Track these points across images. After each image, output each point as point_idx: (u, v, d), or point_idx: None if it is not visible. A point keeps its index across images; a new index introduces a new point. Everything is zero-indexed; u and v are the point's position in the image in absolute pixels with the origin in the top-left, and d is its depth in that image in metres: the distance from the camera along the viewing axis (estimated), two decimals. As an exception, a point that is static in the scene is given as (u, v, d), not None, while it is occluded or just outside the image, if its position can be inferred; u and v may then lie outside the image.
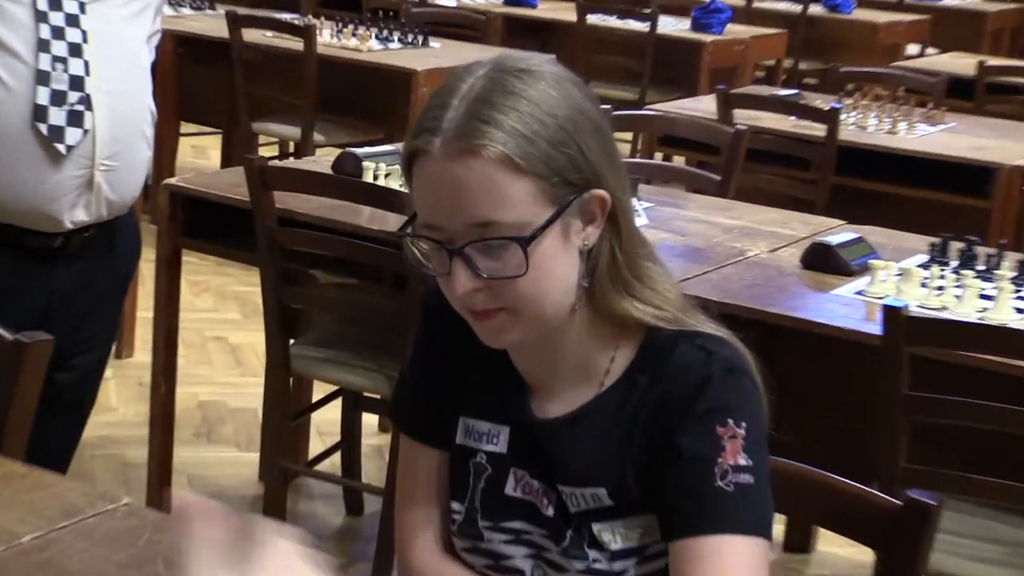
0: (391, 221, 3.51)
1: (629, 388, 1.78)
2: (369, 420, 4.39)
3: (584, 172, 1.68)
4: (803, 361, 3.25)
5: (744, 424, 1.68)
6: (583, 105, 1.71)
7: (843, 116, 5.26)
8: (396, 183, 3.81)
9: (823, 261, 3.47)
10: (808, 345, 3.19)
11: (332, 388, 4.14)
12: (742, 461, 1.67)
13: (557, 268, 1.71)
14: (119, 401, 4.90)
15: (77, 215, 2.90)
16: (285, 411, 3.95)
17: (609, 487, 1.75)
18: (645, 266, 1.77)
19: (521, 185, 1.64)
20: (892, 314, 2.81)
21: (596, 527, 1.77)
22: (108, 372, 5.05)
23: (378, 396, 4.00)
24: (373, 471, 4.39)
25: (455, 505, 1.88)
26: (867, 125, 5.40)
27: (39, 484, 2.08)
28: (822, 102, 5.56)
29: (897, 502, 1.87)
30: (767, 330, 3.06)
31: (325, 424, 4.49)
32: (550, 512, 1.81)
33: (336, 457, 4.26)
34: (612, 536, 1.76)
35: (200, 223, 3.99)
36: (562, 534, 1.79)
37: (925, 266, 3.44)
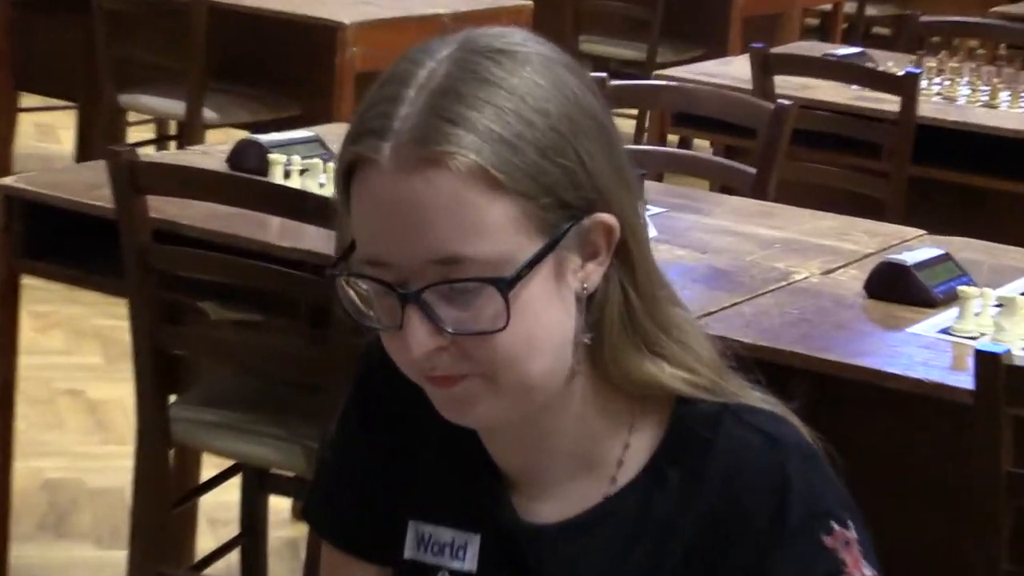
0: (308, 236, 3.56)
1: (654, 486, 1.76)
2: (278, 505, 4.43)
3: (584, 189, 1.65)
4: (868, 425, 3.29)
5: (850, 522, 1.69)
6: (582, 98, 1.69)
7: (924, 84, 5.29)
8: (315, 183, 3.84)
9: (896, 287, 3.49)
10: (875, 403, 3.23)
11: (228, 463, 4.17)
12: (868, 572, 1.69)
13: (548, 320, 1.67)
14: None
15: None
16: (163, 494, 3.96)
17: None
18: (671, 313, 1.76)
19: (500, 207, 1.60)
20: (989, 362, 2.82)
21: None
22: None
23: (291, 473, 4.03)
24: (284, 574, 4.47)
25: None
26: (956, 95, 5.44)
27: None
28: (895, 64, 5.58)
29: None
30: (819, 383, 3.10)
31: (219, 511, 4.57)
32: None
33: (234, 556, 4.29)
34: None
35: (47, 238, 4.03)
36: None
37: None
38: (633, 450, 1.77)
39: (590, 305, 1.71)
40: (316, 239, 3.54)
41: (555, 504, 1.80)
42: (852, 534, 1.68)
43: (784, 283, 3.57)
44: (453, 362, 1.66)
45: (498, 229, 1.61)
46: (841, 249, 3.86)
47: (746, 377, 1.79)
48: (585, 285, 1.69)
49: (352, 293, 1.71)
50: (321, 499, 1.99)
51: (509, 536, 1.81)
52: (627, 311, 1.72)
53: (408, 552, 1.86)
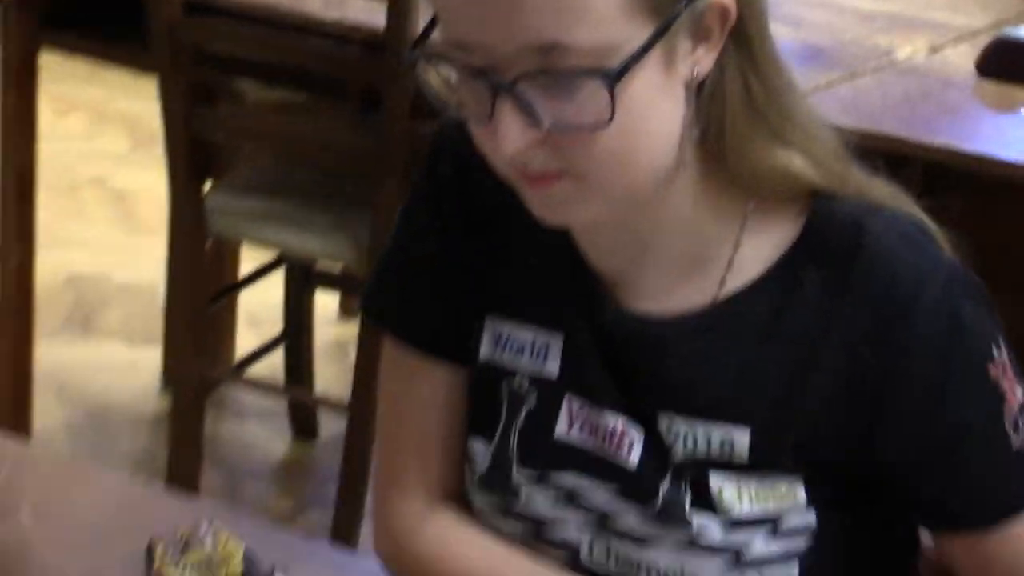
0: (357, 7, 3.55)
1: (786, 291, 1.76)
2: (324, 302, 4.50)
3: None
4: (981, 215, 3.24)
5: (1002, 343, 1.72)
6: None
7: None
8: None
9: (1011, 65, 3.47)
10: (988, 192, 3.24)
11: (270, 256, 4.24)
12: (1018, 394, 1.72)
13: (656, 114, 1.66)
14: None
15: None
16: (199, 289, 4.00)
17: (756, 429, 1.77)
18: (796, 101, 1.74)
19: None
20: None
21: (716, 481, 1.77)
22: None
23: (338, 267, 4.13)
24: (331, 377, 4.51)
25: (477, 446, 1.89)
26: None
27: None
28: None
29: None
30: (926, 170, 3.07)
31: (260, 309, 4.63)
32: (633, 459, 1.80)
33: (277, 356, 4.36)
34: (737, 496, 1.78)
35: (67, 8, 4.04)
36: (650, 491, 1.80)
37: None
38: (747, 250, 1.77)
39: (700, 94, 1.68)
40: (366, 10, 3.53)
41: (658, 304, 1.80)
42: (1005, 357, 1.71)
43: (887, 61, 3.55)
44: (548, 159, 1.64)
45: (605, 13, 1.56)
46: (951, 23, 3.84)
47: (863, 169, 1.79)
48: (696, 71, 1.66)
49: (433, 77, 1.68)
50: (385, 292, 1.99)
51: (602, 336, 1.81)
52: (749, 99, 1.69)
53: (484, 352, 1.88)
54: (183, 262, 3.97)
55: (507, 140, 1.60)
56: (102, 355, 4.70)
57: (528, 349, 1.87)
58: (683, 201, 1.75)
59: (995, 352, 1.71)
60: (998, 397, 1.71)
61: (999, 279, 2.15)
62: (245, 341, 4.50)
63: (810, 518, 1.77)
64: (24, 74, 4.11)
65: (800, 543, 1.77)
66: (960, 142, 3.16)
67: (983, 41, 3.57)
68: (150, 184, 5.32)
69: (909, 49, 3.62)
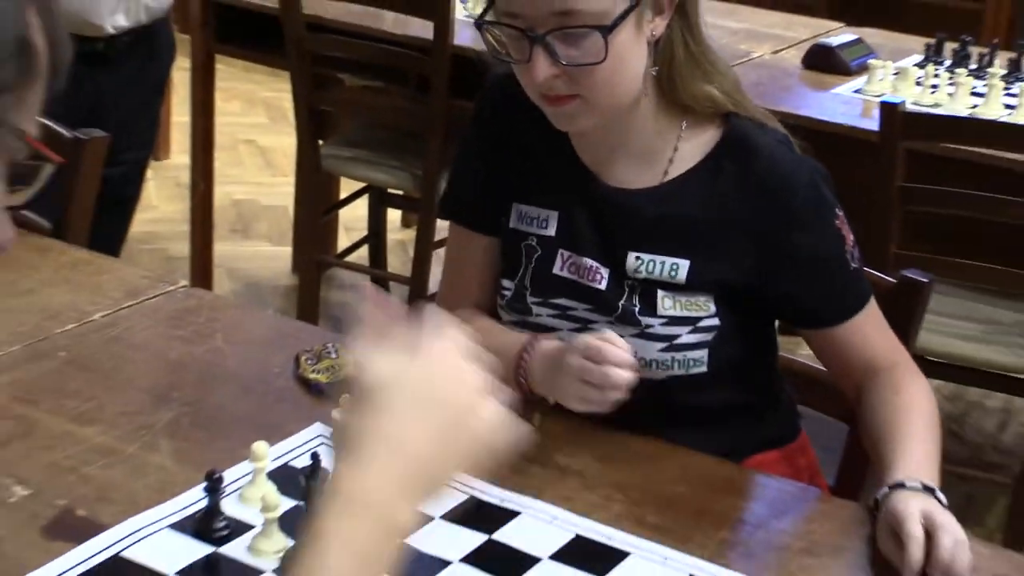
0: (414, 26, 3.61)
1: (711, 176, 1.80)
2: (393, 216, 4.48)
3: None
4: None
5: (840, 211, 1.81)
6: None
7: None
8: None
9: (824, 61, 3.55)
10: (809, 142, 3.21)
11: (359, 185, 4.23)
12: (851, 237, 1.79)
13: (631, 57, 1.71)
14: (159, 200, 5.08)
15: (118, 20, 3.12)
16: (315, 207, 4.05)
17: (693, 262, 1.81)
18: (716, 56, 1.79)
19: None
20: (889, 110, 2.90)
21: (661, 294, 1.81)
22: (148, 173, 5.22)
23: (402, 192, 4.10)
24: (397, 264, 4.48)
25: (506, 283, 1.90)
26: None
27: (103, 269, 2.27)
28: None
29: (892, 279, 2.01)
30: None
31: (352, 220, 4.58)
32: (601, 286, 1.84)
33: (363, 250, 4.37)
34: (673, 304, 1.82)
35: (232, 30, 4.09)
36: (613, 306, 1.82)
37: (920, 65, 3.53)
38: (683, 150, 1.82)
39: (656, 48, 1.74)
40: (421, 27, 3.57)
41: (627, 180, 1.86)
42: (841, 215, 1.82)
43: (746, 60, 3.61)
44: (564, 86, 1.71)
45: None
46: (785, 36, 3.89)
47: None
48: (653, 33, 1.73)
49: (492, 38, 1.74)
50: (451, 196, 2.02)
51: (591, 204, 1.86)
52: (686, 52, 1.76)
53: (512, 223, 1.91)
54: (305, 191, 4.10)
55: (539, 73, 1.68)
56: (255, 250, 4.74)
57: (536, 221, 1.89)
58: (644, 116, 1.80)
59: (837, 211, 1.80)
60: (841, 238, 1.80)
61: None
62: (343, 240, 4.52)
63: (715, 321, 1.82)
64: (205, 73, 4.15)
65: (708, 336, 1.81)
66: (793, 109, 3.19)
67: (806, 46, 3.64)
68: (282, 144, 5.39)
69: (760, 52, 3.67)
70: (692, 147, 1.81)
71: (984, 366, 3.04)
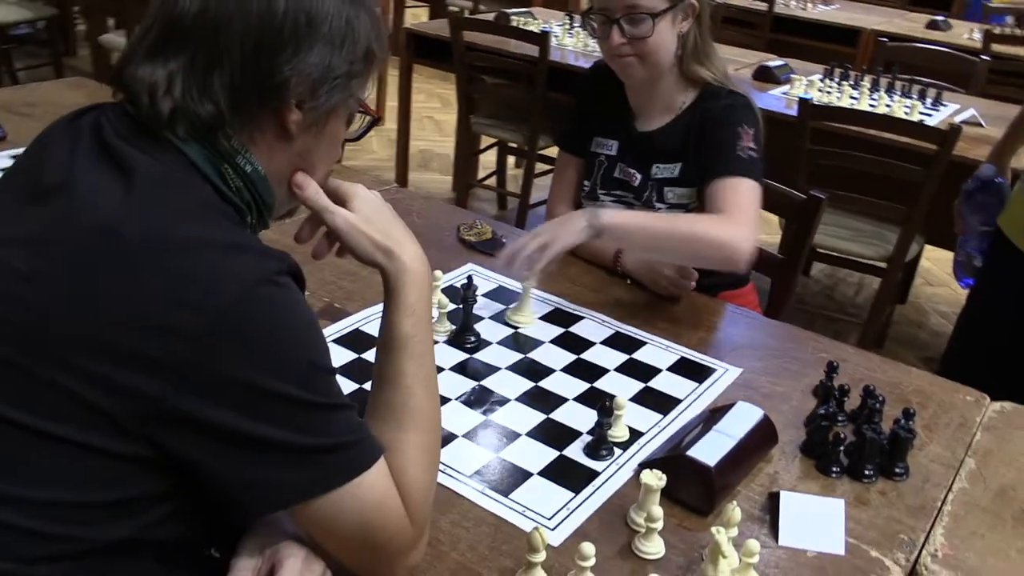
0: (527, 48, 3.52)
1: (692, 115, 1.74)
2: (509, 160, 4.42)
3: None
4: None
5: (752, 130, 1.67)
6: None
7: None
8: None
9: (764, 75, 3.46)
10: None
11: (492, 141, 4.18)
12: (751, 144, 1.65)
13: (666, 38, 1.67)
14: (378, 148, 5.04)
15: None
16: (467, 153, 4.02)
17: (683, 164, 1.74)
18: (713, 48, 1.73)
19: None
20: (803, 104, 2.86)
21: (667, 188, 1.76)
22: (371, 133, 5.21)
23: (516, 145, 4.00)
24: (512, 187, 4.41)
25: (586, 182, 1.85)
26: (790, 4, 5.27)
27: (346, 176, 2.23)
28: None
29: (802, 195, 1.96)
30: None
31: (487, 162, 4.52)
32: (636, 182, 1.79)
33: (492, 179, 4.34)
34: (674, 194, 1.76)
35: (422, 49, 4.02)
36: (642, 195, 1.78)
37: (821, 79, 3.45)
38: (685, 102, 1.76)
39: (680, 40, 1.69)
40: (531, 49, 3.49)
41: (652, 123, 1.80)
42: (751, 132, 1.66)
43: None
44: (627, 49, 1.67)
45: None
46: (743, 61, 3.71)
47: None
48: (681, 30, 1.68)
49: (591, 27, 1.69)
50: (563, 134, 1.93)
51: (634, 136, 1.80)
52: (695, 45, 1.71)
53: (592, 148, 1.86)
54: (461, 143, 4.00)
55: (613, 41, 1.66)
56: (431, 178, 4.65)
57: (604, 146, 1.84)
58: (668, 81, 1.74)
59: (745, 126, 1.66)
60: (737, 135, 1.64)
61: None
62: (481, 173, 4.41)
63: (694, 196, 1.75)
64: (407, 78, 4.09)
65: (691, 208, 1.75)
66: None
67: (755, 67, 3.52)
68: (448, 118, 5.32)
69: (728, 69, 3.57)
70: (687, 103, 1.76)
71: (849, 255, 3.01)
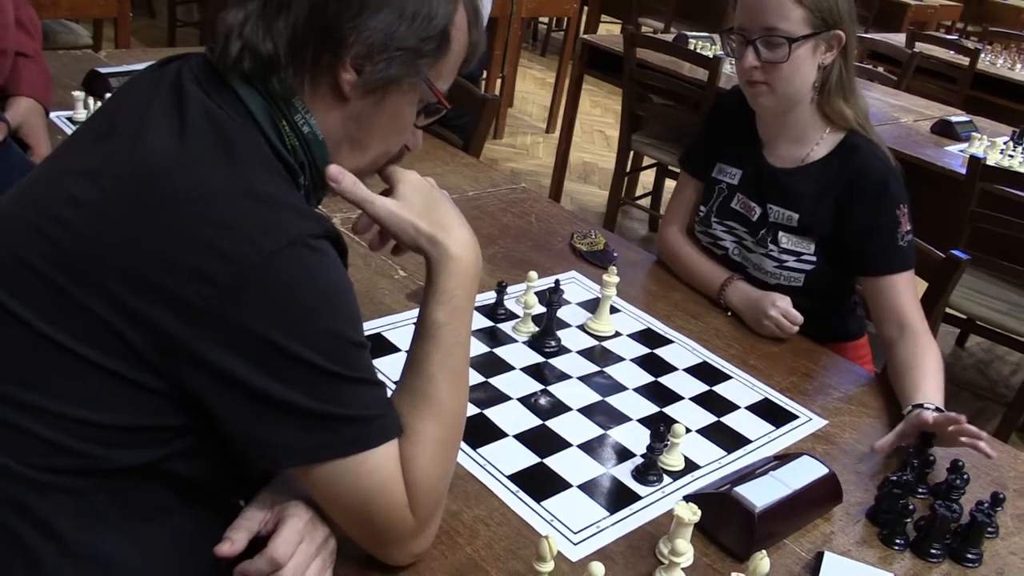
0: (698, 72, 3.48)
1: (826, 167, 1.66)
2: (669, 184, 4.34)
3: (835, 18, 1.56)
4: (921, 184, 3.10)
5: (906, 207, 1.61)
6: None
7: (983, 55, 4.84)
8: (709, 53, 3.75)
9: (944, 130, 3.28)
10: (923, 175, 2.91)
11: (652, 161, 4.16)
12: (907, 227, 1.61)
13: (803, 67, 1.58)
14: (543, 155, 5.08)
15: None
16: (623, 170, 3.98)
17: (802, 215, 1.69)
18: (856, 85, 1.65)
19: (798, 12, 1.54)
20: (974, 161, 2.70)
21: (780, 233, 1.70)
22: (540, 139, 5.21)
23: (676, 169, 3.92)
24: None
25: (702, 208, 1.82)
26: (997, 63, 4.97)
27: (485, 170, 2.28)
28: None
29: (942, 254, 1.84)
30: (907, 167, 2.91)
31: (646, 182, 4.49)
32: (755, 218, 1.74)
33: (648, 200, 4.29)
34: (788, 240, 1.70)
35: (594, 61, 4.02)
36: (757, 232, 1.73)
37: (1006, 141, 3.25)
38: (819, 147, 1.68)
39: (821, 72, 1.61)
40: (702, 73, 3.44)
41: (778, 160, 1.72)
42: (906, 211, 1.61)
43: (894, 122, 3.27)
44: (759, 74, 1.60)
45: (794, 21, 1.55)
46: (924, 112, 3.52)
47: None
48: (823, 62, 1.60)
49: (729, 46, 1.63)
50: (687, 154, 1.89)
51: (761, 168, 1.73)
52: (840, 80, 1.62)
53: (713, 174, 1.81)
54: (619, 159, 3.93)
55: (747, 63, 1.58)
56: (588, 190, 4.65)
57: (727, 173, 1.78)
58: (803, 114, 1.65)
59: (901, 205, 1.60)
60: (896, 220, 1.60)
61: (924, 214, 1.98)
62: (639, 190, 4.43)
63: (813, 258, 1.69)
64: (577, 87, 4.07)
65: (807, 267, 1.69)
66: (920, 156, 2.90)
67: (935, 120, 3.31)
68: (613, 132, 5.33)
69: (905, 119, 3.33)
70: (825, 146, 1.67)
71: (1006, 331, 2.80)
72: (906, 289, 1.60)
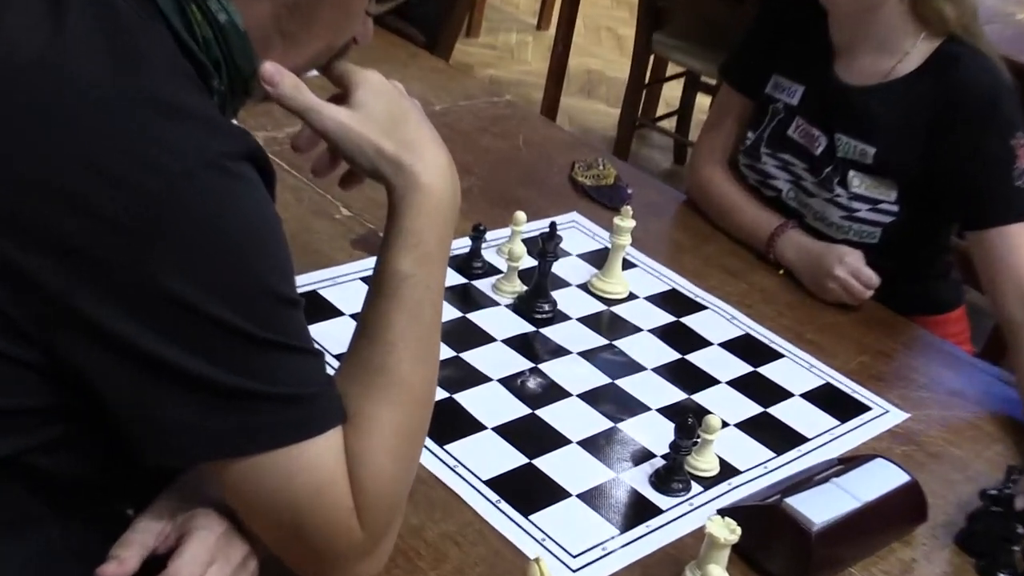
0: None
1: (916, 84, 1.68)
2: (702, 101, 4.35)
3: None
4: None
5: (1022, 134, 1.61)
6: None
7: None
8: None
9: None
10: None
11: (680, 69, 4.15)
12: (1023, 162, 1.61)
13: None
14: (533, 59, 5.12)
15: None
16: (641, 78, 3.98)
17: (880, 149, 1.71)
18: None
19: None
20: None
21: (851, 172, 1.73)
22: (529, 38, 5.20)
23: (712, 81, 3.95)
24: (697, 135, 4.37)
25: (750, 133, 1.86)
26: None
27: (453, 78, 2.30)
28: None
29: None
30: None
31: (670, 98, 4.51)
32: (819, 151, 1.76)
33: (673, 121, 4.32)
34: (860, 183, 1.73)
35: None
36: (821, 170, 1.76)
37: None
38: (909, 58, 1.69)
39: None
40: None
41: (857, 75, 1.75)
42: (1023, 141, 1.61)
43: (1009, 20, 3.29)
44: None
45: None
46: None
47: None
48: None
49: None
50: (733, 62, 1.93)
51: (829, 85, 1.77)
52: None
53: (767, 90, 1.85)
54: (638, 66, 3.92)
55: None
56: (593, 107, 4.70)
57: (787, 91, 1.81)
58: (890, 15, 1.67)
59: (1017, 133, 1.61)
60: (1011, 153, 1.60)
61: None
62: (662, 109, 4.42)
63: (895, 207, 1.71)
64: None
65: (886, 219, 1.72)
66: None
67: None
68: (628, 30, 5.12)
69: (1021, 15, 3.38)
70: (916, 56, 1.69)
71: None
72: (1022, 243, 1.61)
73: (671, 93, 4.46)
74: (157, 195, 0.81)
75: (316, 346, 0.92)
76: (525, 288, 1.58)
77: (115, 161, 0.81)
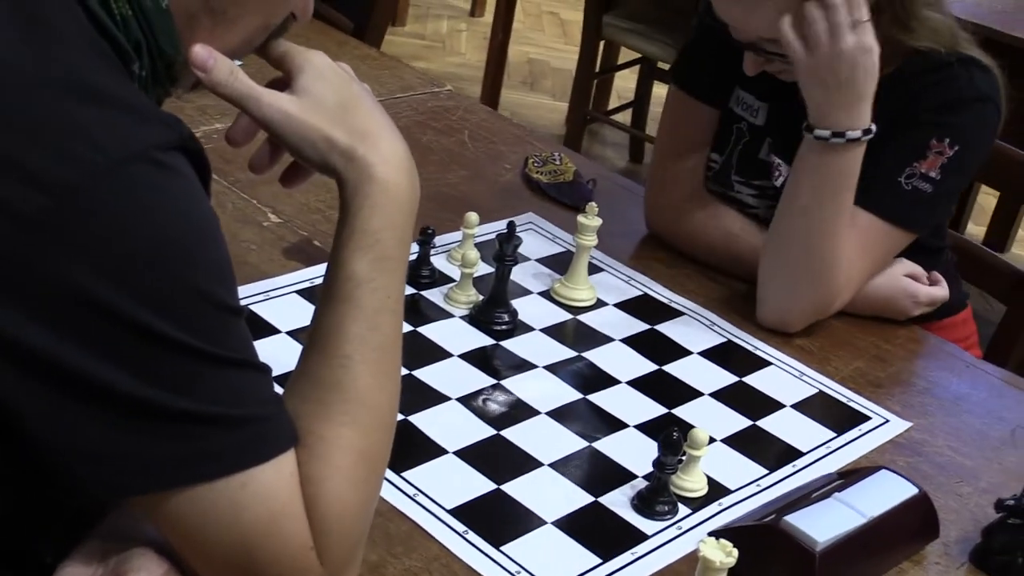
0: None
1: (893, 86, 1.64)
2: (659, 92, 4.35)
3: None
4: None
5: (957, 148, 1.60)
6: None
7: None
8: None
9: None
10: None
11: (634, 55, 4.19)
12: (932, 174, 1.61)
13: None
14: (467, 49, 5.19)
15: None
16: (591, 69, 4.05)
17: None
18: (923, 15, 1.62)
19: None
20: None
21: None
22: (462, 25, 5.25)
23: (668, 67, 3.99)
24: (655, 129, 4.42)
25: (715, 156, 1.81)
26: None
27: (387, 66, 2.36)
28: None
29: None
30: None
31: (623, 89, 4.58)
32: (779, 182, 1.73)
33: (628, 114, 4.36)
34: None
35: None
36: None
37: None
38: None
39: None
40: None
41: None
42: (949, 152, 1.60)
43: None
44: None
45: None
46: None
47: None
48: None
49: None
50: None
51: (790, 104, 1.66)
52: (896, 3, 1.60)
53: (731, 104, 1.79)
54: (586, 53, 3.99)
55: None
56: (537, 101, 4.76)
57: (747, 108, 1.77)
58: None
59: (947, 141, 1.60)
60: (915, 153, 1.61)
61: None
62: (614, 102, 4.48)
63: None
64: None
65: None
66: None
67: None
68: (576, 18, 5.31)
69: None
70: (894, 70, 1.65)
71: None
72: (865, 240, 1.62)
73: (624, 84, 4.53)
74: (71, 192, 0.80)
75: (262, 361, 0.92)
76: (481, 297, 1.59)
77: (26, 153, 0.80)
